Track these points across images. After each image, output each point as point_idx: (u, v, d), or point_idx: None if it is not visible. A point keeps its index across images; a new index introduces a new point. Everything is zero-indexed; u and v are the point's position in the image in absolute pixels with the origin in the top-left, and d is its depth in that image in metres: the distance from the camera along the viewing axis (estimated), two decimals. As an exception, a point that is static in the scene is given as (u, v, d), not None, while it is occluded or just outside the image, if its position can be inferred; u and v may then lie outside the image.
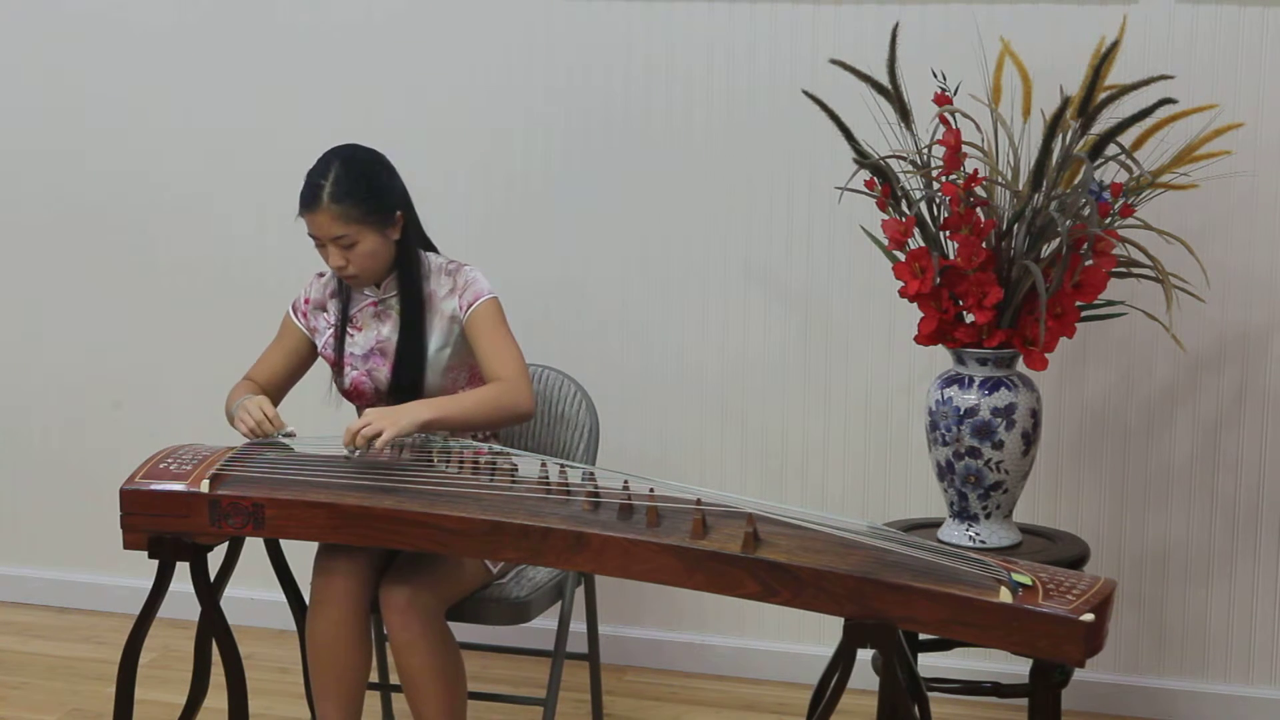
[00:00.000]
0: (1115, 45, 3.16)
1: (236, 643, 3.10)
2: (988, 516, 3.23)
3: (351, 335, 3.31)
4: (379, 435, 2.99)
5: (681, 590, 2.93)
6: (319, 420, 3.28)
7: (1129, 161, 3.19)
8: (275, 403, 3.30)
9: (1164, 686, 3.83)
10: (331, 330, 3.33)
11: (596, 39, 3.97)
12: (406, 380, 3.25)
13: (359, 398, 3.32)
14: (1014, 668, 3.75)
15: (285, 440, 3.17)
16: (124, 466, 3.08)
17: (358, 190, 3.16)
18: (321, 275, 3.38)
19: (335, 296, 3.34)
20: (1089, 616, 2.41)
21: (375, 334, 3.30)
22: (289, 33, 4.19)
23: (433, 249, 3.36)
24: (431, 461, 3.07)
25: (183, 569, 2.98)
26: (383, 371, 3.28)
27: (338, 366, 3.33)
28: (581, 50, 3.99)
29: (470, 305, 3.24)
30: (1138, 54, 3.53)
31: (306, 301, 3.37)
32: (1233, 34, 3.59)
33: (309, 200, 3.17)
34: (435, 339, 3.27)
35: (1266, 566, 3.74)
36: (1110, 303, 3.28)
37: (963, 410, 3.18)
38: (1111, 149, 3.15)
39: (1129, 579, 3.80)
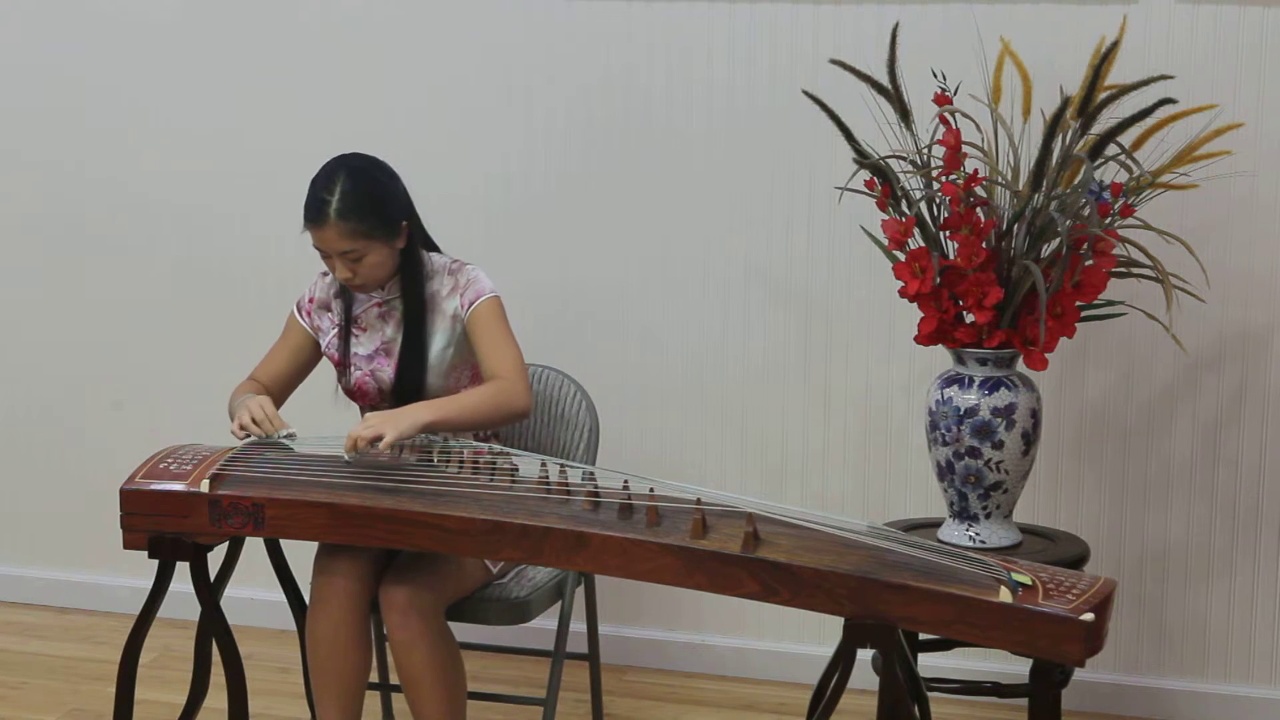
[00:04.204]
0: (1115, 45, 3.16)
1: (236, 643, 3.10)
2: (988, 516, 3.23)
3: (356, 336, 3.31)
4: (380, 438, 2.99)
5: (681, 590, 2.93)
6: (323, 421, 3.27)
7: (1129, 161, 3.19)
8: (280, 402, 3.31)
9: (1164, 686, 3.83)
10: (336, 330, 3.33)
11: (597, 39, 3.97)
12: (410, 381, 3.25)
13: (362, 398, 3.33)
14: (1014, 668, 3.75)
15: (285, 441, 3.16)
16: (124, 466, 3.08)
17: (365, 205, 3.15)
18: (326, 275, 3.38)
19: (339, 296, 3.34)
20: (1089, 616, 2.41)
21: (380, 335, 3.30)
22: (290, 33, 4.19)
23: (435, 249, 3.36)
24: (432, 461, 3.07)
25: (183, 569, 2.98)
26: (386, 372, 3.28)
27: (342, 366, 3.33)
28: (581, 50, 3.99)
29: (471, 304, 3.25)
30: (1138, 54, 3.53)
31: (311, 301, 3.37)
32: (1233, 34, 3.59)
33: (315, 216, 3.16)
34: (439, 338, 3.27)
35: (1266, 566, 3.74)
36: (1110, 303, 3.29)
37: (963, 410, 3.18)
38: (1111, 149, 3.16)
39: (1129, 579, 3.80)
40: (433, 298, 3.28)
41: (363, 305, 3.32)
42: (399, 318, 3.28)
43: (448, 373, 3.28)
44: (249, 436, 3.16)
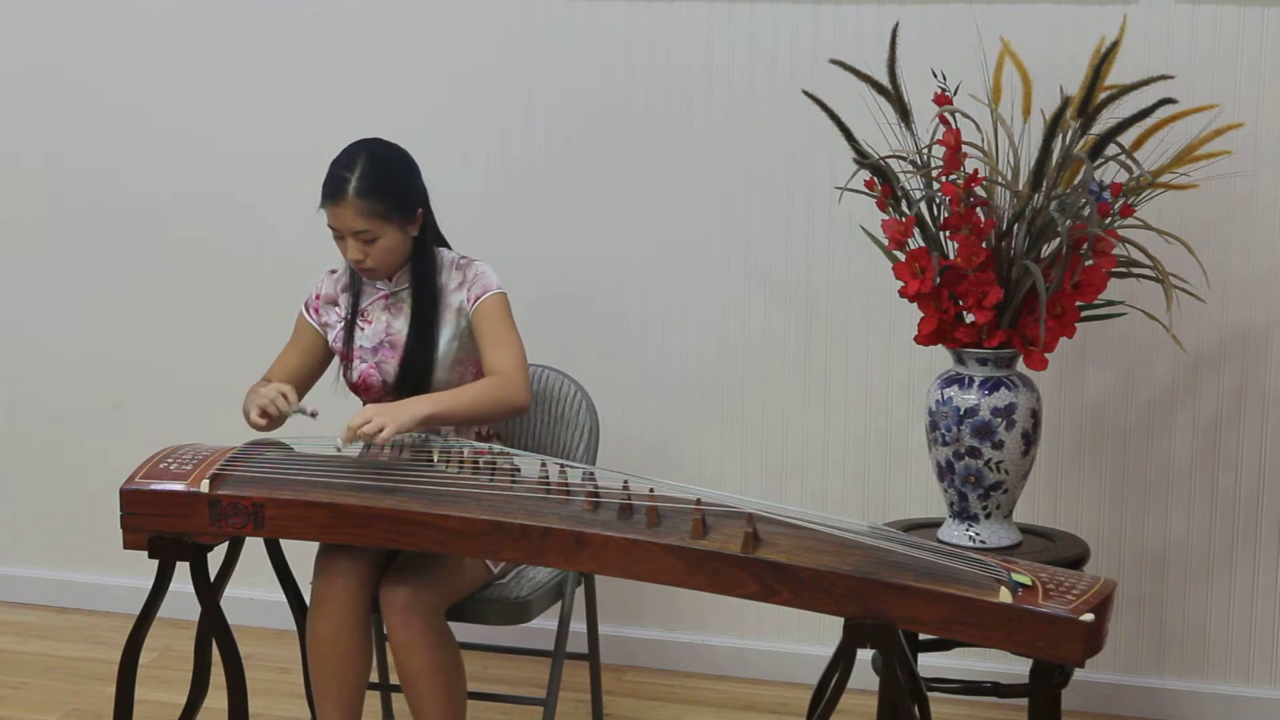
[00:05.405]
0: (1115, 45, 3.16)
1: (236, 643, 3.10)
2: (988, 516, 3.23)
3: (361, 328, 3.32)
4: (380, 431, 2.99)
5: (681, 590, 2.93)
6: (325, 420, 3.27)
7: (1129, 161, 3.19)
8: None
9: (1164, 686, 3.83)
10: (342, 324, 3.33)
11: (596, 39, 3.97)
12: (415, 374, 3.25)
13: (366, 391, 3.32)
14: (1014, 668, 3.75)
15: (307, 419, 3.15)
16: (124, 466, 3.08)
17: (383, 186, 3.17)
18: (333, 272, 3.38)
19: (346, 290, 3.35)
20: (1089, 616, 2.41)
21: (385, 326, 3.30)
22: (291, 32, 4.19)
23: (445, 244, 3.37)
24: (432, 461, 3.07)
25: (183, 569, 2.98)
26: (391, 364, 3.28)
27: (346, 359, 3.33)
28: (581, 50, 3.99)
29: (478, 299, 3.26)
30: (1138, 54, 3.53)
31: (318, 298, 3.38)
32: (1233, 34, 3.59)
33: (333, 193, 3.17)
34: (444, 332, 3.27)
35: (1266, 566, 3.74)
36: (1110, 303, 3.29)
37: (963, 410, 3.18)
38: (1111, 149, 3.16)
39: (1129, 579, 3.80)
40: (440, 292, 3.28)
41: (369, 298, 3.32)
42: (406, 310, 3.29)
43: (451, 367, 3.29)
44: (268, 422, 3.16)
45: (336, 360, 3.38)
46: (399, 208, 3.20)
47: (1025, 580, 2.50)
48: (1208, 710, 3.80)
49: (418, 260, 3.27)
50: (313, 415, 3.17)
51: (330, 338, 3.36)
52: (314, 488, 2.93)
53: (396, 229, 3.21)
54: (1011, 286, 3.15)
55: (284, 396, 3.15)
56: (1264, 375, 3.69)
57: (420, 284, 3.27)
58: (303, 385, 3.36)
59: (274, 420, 3.18)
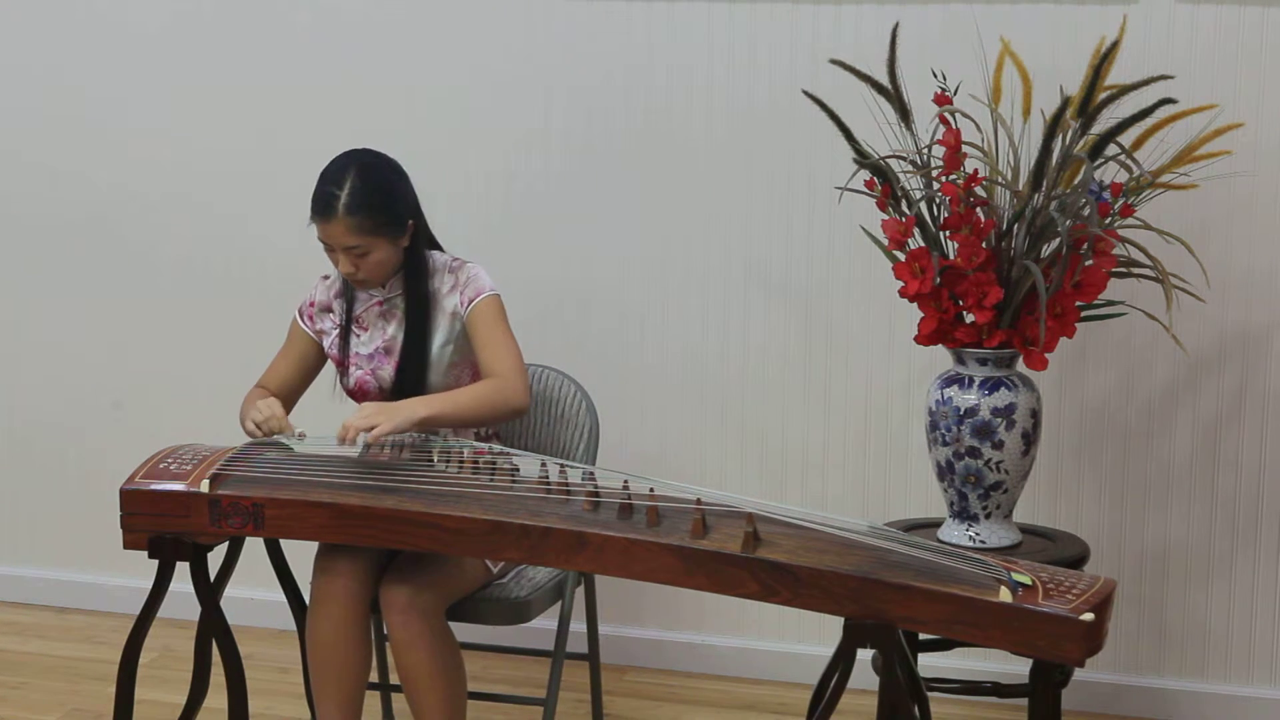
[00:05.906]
0: (1115, 45, 3.16)
1: (236, 643, 3.10)
2: (988, 516, 3.23)
3: (357, 335, 3.32)
4: (374, 428, 3.00)
5: (681, 590, 2.93)
6: (324, 419, 3.27)
7: (1129, 161, 3.19)
8: (289, 407, 3.31)
9: (1164, 686, 3.83)
10: (337, 330, 3.33)
11: (597, 39, 3.97)
12: (410, 379, 3.25)
13: (363, 397, 3.32)
14: (1014, 668, 3.75)
15: (295, 442, 3.17)
16: (124, 466, 3.08)
17: (373, 202, 3.16)
18: (326, 278, 3.38)
19: (340, 297, 3.34)
20: (1089, 616, 2.41)
21: (381, 333, 3.30)
22: (290, 33, 4.19)
23: (438, 247, 3.37)
24: (432, 461, 3.08)
25: (183, 569, 2.98)
26: (387, 370, 3.28)
27: (342, 366, 3.33)
28: (582, 50, 3.99)
29: (471, 301, 3.25)
30: (1138, 54, 3.53)
31: (312, 305, 3.37)
32: (1233, 34, 3.59)
33: (323, 209, 3.16)
34: (438, 336, 3.27)
35: (1266, 566, 3.74)
36: (1110, 303, 3.29)
37: (963, 410, 3.18)
38: (1111, 149, 3.16)
39: (1129, 579, 3.80)
40: (433, 295, 3.28)
41: (364, 304, 3.32)
42: (400, 316, 3.29)
43: (447, 370, 3.29)
44: (262, 435, 3.18)
45: (331, 366, 3.38)
46: (390, 223, 3.19)
47: (1025, 580, 2.50)
48: (1208, 710, 3.80)
49: (410, 267, 3.27)
50: (300, 437, 3.18)
51: (326, 344, 3.36)
52: (314, 488, 2.93)
53: (388, 243, 3.20)
54: (1011, 286, 3.15)
55: (277, 419, 3.16)
56: (1264, 375, 3.69)
57: (413, 290, 3.26)
58: (296, 391, 3.37)
59: (267, 434, 3.19)
